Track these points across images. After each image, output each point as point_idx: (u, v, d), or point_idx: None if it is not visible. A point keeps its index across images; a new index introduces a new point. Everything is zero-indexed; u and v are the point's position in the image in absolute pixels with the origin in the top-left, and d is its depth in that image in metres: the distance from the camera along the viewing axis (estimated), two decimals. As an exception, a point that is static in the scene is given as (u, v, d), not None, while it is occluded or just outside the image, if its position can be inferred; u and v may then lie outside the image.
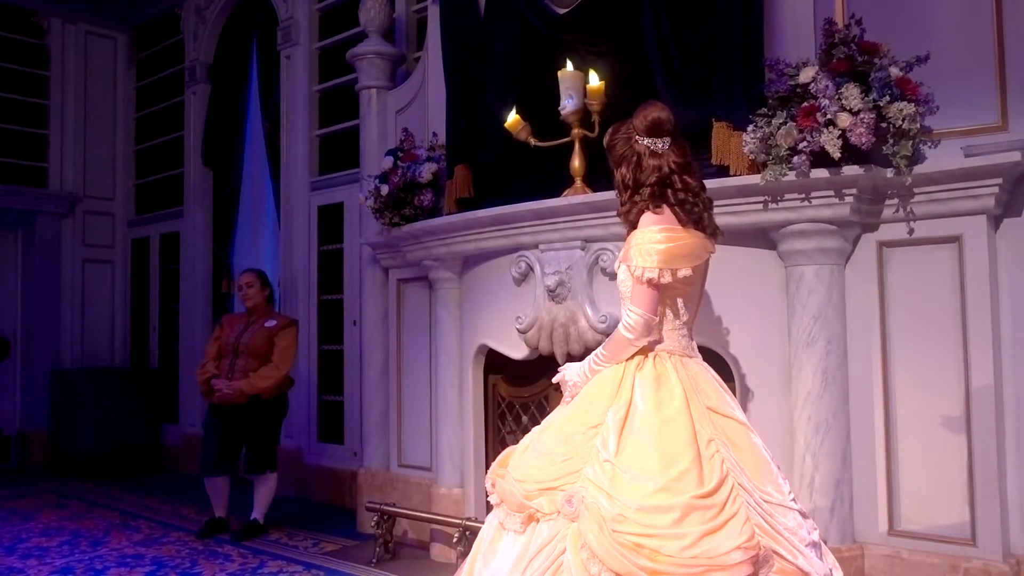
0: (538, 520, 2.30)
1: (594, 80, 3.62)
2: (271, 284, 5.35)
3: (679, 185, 2.50)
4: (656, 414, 2.34)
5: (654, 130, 2.51)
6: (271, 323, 5.06)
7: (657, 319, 2.46)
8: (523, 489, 2.33)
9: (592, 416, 2.40)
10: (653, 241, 2.42)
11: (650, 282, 2.41)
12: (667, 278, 2.41)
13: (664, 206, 2.49)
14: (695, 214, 2.52)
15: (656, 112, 2.52)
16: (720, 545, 2.12)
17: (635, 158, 2.53)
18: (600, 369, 2.52)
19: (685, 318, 2.54)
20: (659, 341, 2.50)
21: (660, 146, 2.52)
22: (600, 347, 2.56)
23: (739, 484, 2.26)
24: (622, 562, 2.10)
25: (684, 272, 2.44)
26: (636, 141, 2.53)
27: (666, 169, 2.50)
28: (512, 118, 3.88)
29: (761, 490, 2.29)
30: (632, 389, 2.41)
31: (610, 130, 2.65)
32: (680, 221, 2.49)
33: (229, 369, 4.98)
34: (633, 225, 2.54)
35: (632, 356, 2.47)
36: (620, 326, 2.47)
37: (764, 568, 2.20)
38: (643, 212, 2.50)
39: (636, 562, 2.09)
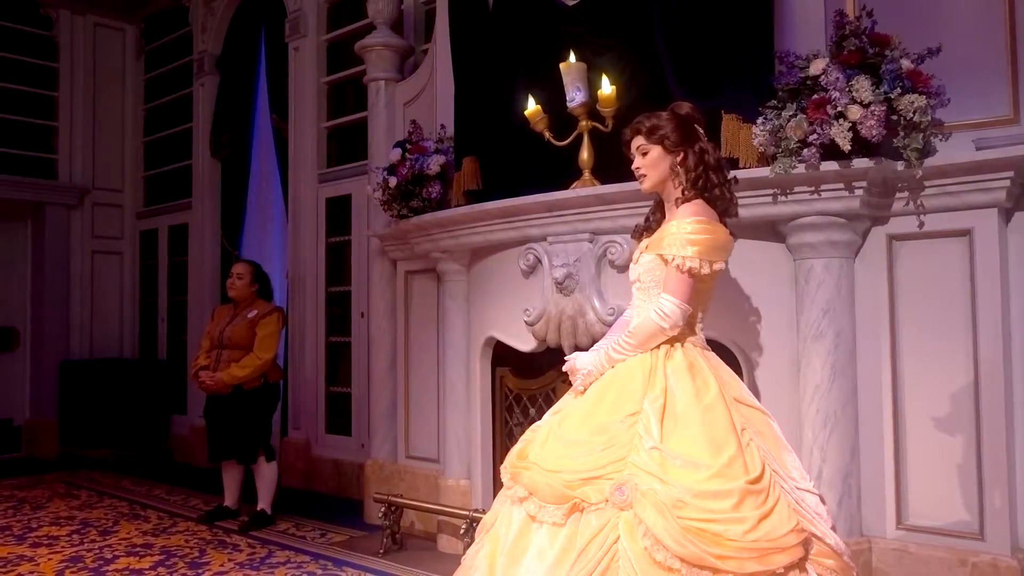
0: (582, 510, 2.26)
1: (606, 87, 3.60)
2: (266, 279, 5.30)
3: (720, 180, 2.60)
4: (696, 402, 2.37)
5: (701, 122, 2.63)
6: (252, 313, 5.06)
7: (691, 310, 2.50)
8: (563, 480, 2.30)
9: (626, 405, 2.40)
10: (695, 232, 2.46)
11: (691, 272, 2.45)
12: (707, 269, 2.47)
13: (701, 199, 2.57)
14: (730, 212, 2.62)
15: (692, 105, 2.65)
16: (776, 528, 2.17)
17: (697, 146, 2.60)
18: (622, 358, 2.53)
19: (705, 310, 2.61)
20: (688, 332, 2.55)
21: (706, 138, 2.63)
22: (622, 335, 2.56)
23: (773, 471, 2.32)
24: (688, 548, 2.10)
25: (719, 265, 2.51)
26: (698, 128, 2.62)
27: (712, 161, 2.60)
28: (532, 108, 3.86)
29: (789, 476, 2.35)
30: (665, 377, 2.42)
31: (650, 117, 2.64)
32: (718, 213, 2.58)
33: (216, 360, 5.03)
34: (658, 207, 2.67)
35: (658, 346, 2.49)
36: (653, 315, 2.48)
37: (809, 550, 2.26)
38: (687, 201, 2.56)
39: (704, 548, 2.10)
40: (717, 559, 2.09)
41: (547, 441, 2.46)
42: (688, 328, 2.55)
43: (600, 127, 3.72)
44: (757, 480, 2.23)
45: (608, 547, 2.18)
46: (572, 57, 3.74)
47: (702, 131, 2.66)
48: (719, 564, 2.09)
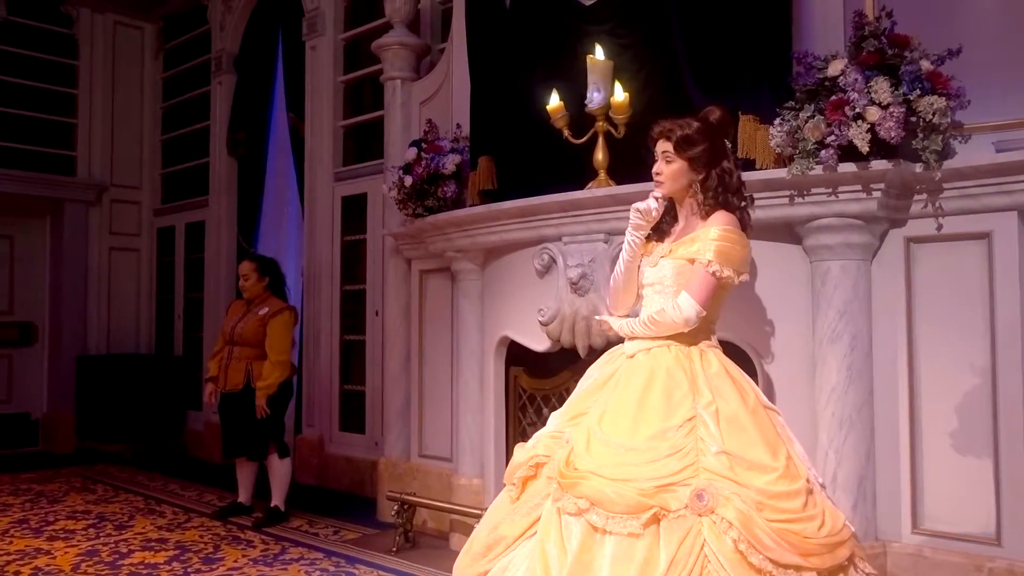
0: (660, 519, 2.22)
1: (619, 94, 3.60)
2: (275, 270, 5.30)
3: (738, 202, 2.64)
4: (744, 406, 2.41)
5: (730, 134, 2.69)
6: (263, 311, 5.07)
7: (705, 313, 2.53)
8: (638, 488, 2.24)
9: (678, 410, 2.39)
10: (732, 241, 2.51)
11: (724, 279, 2.50)
12: (736, 279, 2.53)
13: (730, 209, 2.61)
14: (748, 224, 2.66)
15: (725, 112, 2.66)
16: (835, 523, 2.28)
17: (721, 167, 2.62)
18: (640, 336, 2.59)
19: (719, 317, 2.66)
20: (712, 338, 2.61)
21: (732, 153, 2.70)
22: (647, 317, 2.59)
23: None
24: (778, 549, 2.14)
25: (745, 276, 2.57)
26: (725, 146, 2.65)
27: (733, 182, 2.63)
28: (555, 103, 3.83)
29: (814, 474, 2.44)
30: (708, 382, 2.45)
31: (682, 128, 2.62)
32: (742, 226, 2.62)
33: (228, 357, 5.07)
34: (669, 210, 2.71)
35: (689, 350, 2.53)
36: (675, 313, 2.51)
37: None
38: (718, 210, 2.58)
39: (791, 548, 2.15)
40: (803, 557, 2.16)
41: (590, 447, 2.40)
42: (711, 334, 2.61)
43: (614, 132, 3.70)
44: (808, 480, 2.33)
45: (698, 552, 2.17)
46: (600, 53, 3.70)
47: (730, 145, 2.69)
48: (804, 562, 2.15)
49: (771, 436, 2.37)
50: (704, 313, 2.51)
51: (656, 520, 2.21)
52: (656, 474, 2.27)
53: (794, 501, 2.23)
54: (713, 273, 2.49)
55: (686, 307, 2.50)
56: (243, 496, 5.24)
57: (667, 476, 2.26)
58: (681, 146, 2.61)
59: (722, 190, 2.60)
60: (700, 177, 2.62)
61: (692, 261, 2.54)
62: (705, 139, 2.61)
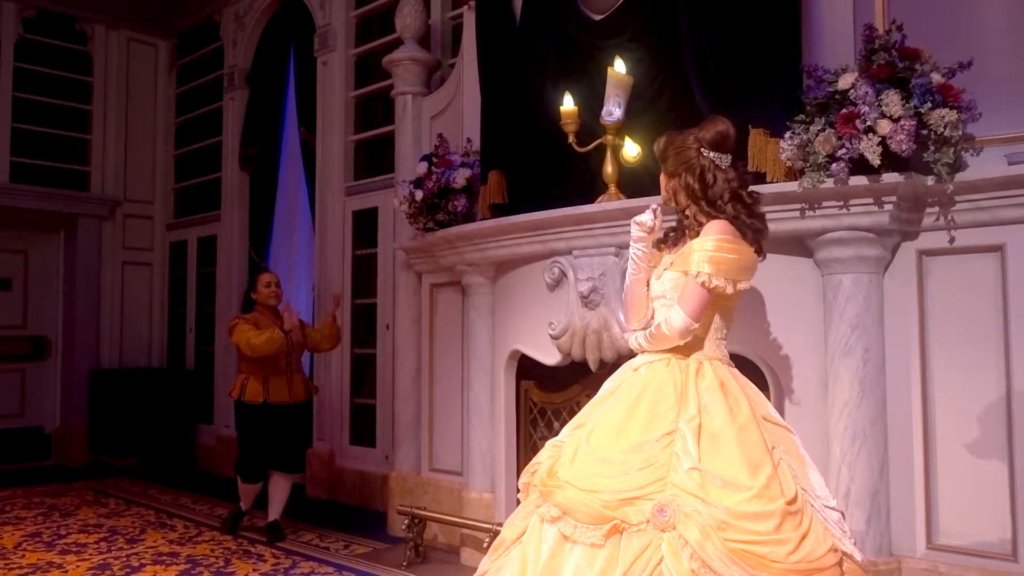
0: (622, 531, 2.22)
1: (631, 148, 3.66)
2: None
3: (748, 200, 2.57)
4: (732, 421, 2.36)
5: (719, 144, 2.56)
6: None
7: (697, 326, 2.48)
8: (602, 500, 2.25)
9: (660, 424, 2.37)
10: (721, 250, 2.46)
11: (715, 290, 2.45)
12: (731, 289, 2.46)
13: (722, 218, 2.55)
14: (747, 238, 2.56)
15: (723, 126, 2.57)
16: (816, 549, 2.18)
17: (699, 169, 2.56)
18: (646, 349, 2.57)
19: (729, 327, 2.60)
20: (714, 349, 2.55)
21: (723, 161, 2.57)
22: (646, 333, 2.58)
23: (803, 490, 2.31)
24: (735, 570, 2.10)
25: (743, 285, 2.50)
26: (702, 153, 2.57)
27: (734, 184, 2.55)
28: (570, 107, 3.83)
29: (816, 495, 2.35)
30: (698, 396, 2.41)
31: (664, 138, 2.65)
32: (741, 234, 2.56)
33: (287, 368, 5.05)
34: (682, 229, 2.65)
35: (687, 363, 2.50)
36: (666, 326, 2.49)
37: (843, 568, 2.26)
38: (710, 219, 2.54)
39: (750, 570, 2.10)
40: None
41: (576, 458, 2.42)
42: (714, 345, 2.56)
43: (620, 143, 3.72)
44: (793, 501, 2.24)
45: (652, 569, 2.15)
46: (621, 66, 3.70)
47: (718, 155, 2.55)
48: None
49: (756, 454, 2.30)
50: (694, 325, 2.47)
51: (618, 532, 2.22)
52: (624, 487, 2.27)
53: (764, 523, 2.16)
54: (702, 284, 2.45)
55: (675, 320, 2.47)
56: (247, 505, 5.19)
57: (633, 489, 2.26)
58: (659, 156, 2.66)
59: (703, 197, 2.55)
60: (671, 184, 2.63)
61: (687, 273, 2.52)
62: (680, 143, 2.59)
